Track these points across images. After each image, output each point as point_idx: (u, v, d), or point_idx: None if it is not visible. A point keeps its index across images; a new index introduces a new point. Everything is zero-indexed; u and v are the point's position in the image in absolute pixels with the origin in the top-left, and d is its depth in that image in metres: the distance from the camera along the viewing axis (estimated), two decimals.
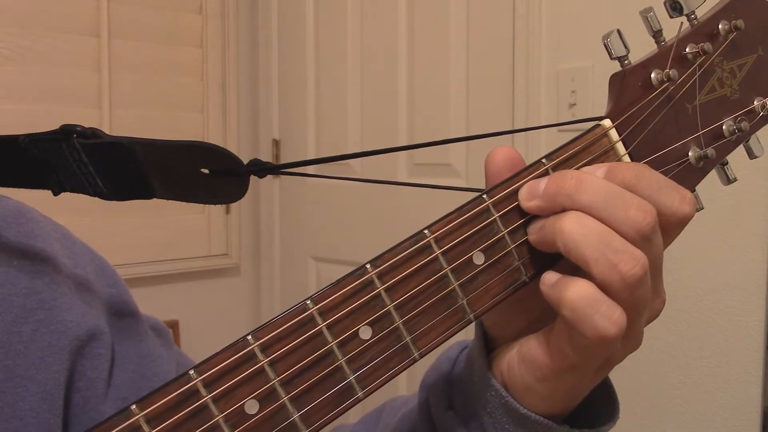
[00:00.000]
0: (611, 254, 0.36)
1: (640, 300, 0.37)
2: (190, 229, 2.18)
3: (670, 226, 0.39)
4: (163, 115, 2.09)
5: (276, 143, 2.27)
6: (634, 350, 0.40)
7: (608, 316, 0.36)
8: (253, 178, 0.44)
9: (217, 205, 2.20)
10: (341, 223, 2.08)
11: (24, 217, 0.50)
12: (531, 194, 0.39)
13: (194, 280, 2.19)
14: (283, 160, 2.25)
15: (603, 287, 0.36)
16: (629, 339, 0.39)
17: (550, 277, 0.38)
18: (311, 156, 2.16)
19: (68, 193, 0.51)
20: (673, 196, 0.38)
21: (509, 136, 1.59)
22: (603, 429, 0.45)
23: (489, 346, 0.46)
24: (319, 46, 2.14)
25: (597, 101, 1.48)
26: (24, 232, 0.50)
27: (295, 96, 2.21)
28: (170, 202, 0.45)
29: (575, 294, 0.36)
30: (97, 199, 0.45)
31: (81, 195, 0.46)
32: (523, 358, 0.41)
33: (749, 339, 1.29)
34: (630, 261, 0.36)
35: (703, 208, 0.42)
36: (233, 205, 2.23)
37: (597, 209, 0.37)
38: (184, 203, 0.45)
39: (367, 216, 1.99)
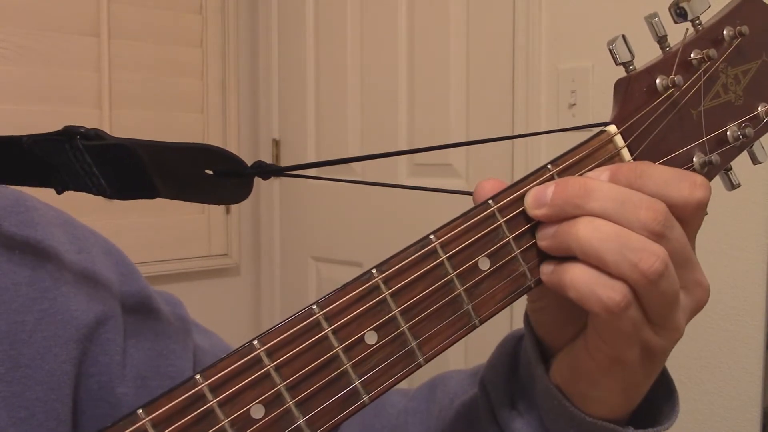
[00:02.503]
0: (630, 254, 0.36)
1: (668, 292, 0.37)
2: (190, 229, 2.17)
3: (688, 215, 0.39)
4: (163, 115, 2.09)
5: (276, 143, 2.27)
6: (676, 341, 0.41)
7: (610, 287, 0.37)
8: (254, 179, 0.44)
9: (217, 206, 2.20)
10: (341, 223, 2.08)
11: (23, 206, 0.50)
12: (538, 202, 0.39)
13: (194, 280, 2.18)
14: (283, 160, 2.25)
15: (626, 285, 0.37)
16: (666, 329, 0.39)
17: (546, 267, 0.39)
18: (311, 156, 2.16)
19: (68, 194, 0.51)
20: (682, 186, 0.39)
21: (509, 130, 1.59)
22: (666, 426, 0.45)
23: (544, 355, 0.46)
24: (319, 46, 2.14)
25: (597, 101, 1.48)
26: (24, 222, 0.49)
27: (295, 96, 2.21)
28: (170, 202, 0.45)
29: (574, 275, 0.37)
30: (97, 199, 0.45)
31: (81, 196, 0.46)
32: (572, 368, 0.42)
33: (749, 339, 1.29)
34: (650, 258, 0.36)
35: (707, 214, 0.42)
36: (233, 206, 2.23)
37: (607, 215, 0.37)
38: (184, 204, 0.45)
39: (367, 216, 1.99)
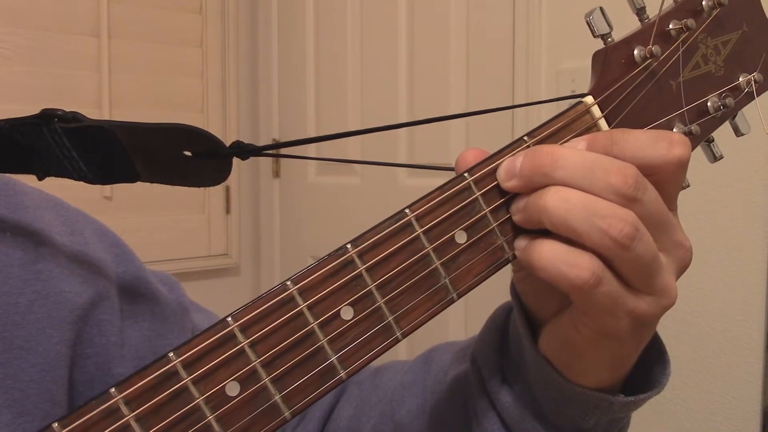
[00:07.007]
0: (599, 221, 0.35)
1: (643, 256, 0.36)
2: (190, 229, 2.17)
3: (669, 174, 0.38)
4: (163, 115, 2.08)
5: (276, 143, 2.26)
6: (669, 306, 0.39)
7: (575, 264, 0.36)
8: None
9: (216, 206, 2.20)
10: (341, 223, 2.08)
11: (12, 189, 0.50)
12: (509, 174, 0.38)
13: (194, 280, 2.18)
14: (283, 160, 2.25)
15: (600, 254, 0.36)
16: (651, 295, 0.38)
17: (519, 243, 0.39)
18: (311, 155, 2.16)
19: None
20: (659, 146, 0.38)
21: (509, 124, 1.59)
22: (656, 390, 0.44)
23: (533, 325, 0.45)
24: (319, 46, 2.15)
25: None
26: (13, 204, 0.49)
27: (295, 96, 2.21)
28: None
29: (539, 254, 0.37)
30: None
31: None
32: (559, 340, 0.42)
33: (749, 339, 1.28)
34: (618, 223, 0.35)
35: (689, 186, 0.41)
36: (233, 205, 2.24)
37: (576, 183, 0.36)
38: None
39: (367, 216, 1.98)
